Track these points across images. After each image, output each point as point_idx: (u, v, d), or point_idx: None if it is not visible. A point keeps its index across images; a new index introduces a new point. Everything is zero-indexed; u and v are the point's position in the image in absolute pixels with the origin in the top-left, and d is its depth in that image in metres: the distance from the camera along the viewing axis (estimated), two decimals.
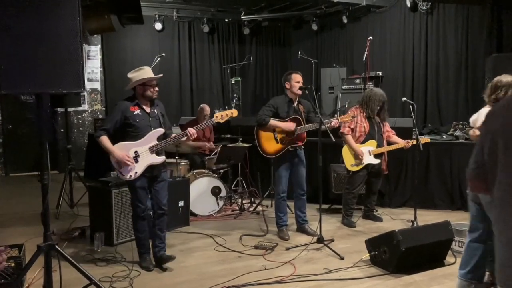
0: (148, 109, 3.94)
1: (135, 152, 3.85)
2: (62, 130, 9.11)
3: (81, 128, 9.70)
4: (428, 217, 5.48)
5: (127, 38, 10.00)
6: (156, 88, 3.94)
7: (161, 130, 3.95)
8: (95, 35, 9.38)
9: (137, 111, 3.89)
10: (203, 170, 6.04)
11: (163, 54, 7.98)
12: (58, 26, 2.70)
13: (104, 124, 3.93)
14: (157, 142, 3.91)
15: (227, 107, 10.04)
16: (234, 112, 4.22)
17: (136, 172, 3.84)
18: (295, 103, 4.81)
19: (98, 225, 4.66)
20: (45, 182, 2.92)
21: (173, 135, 4.02)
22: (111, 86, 10.01)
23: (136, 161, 3.85)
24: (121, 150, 3.83)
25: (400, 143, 5.26)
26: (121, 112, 3.85)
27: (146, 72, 3.89)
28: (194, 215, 5.65)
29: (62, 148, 9.01)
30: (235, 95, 9.80)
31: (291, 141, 4.74)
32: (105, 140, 3.82)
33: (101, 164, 6.82)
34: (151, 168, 3.91)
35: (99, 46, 9.78)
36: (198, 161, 6.40)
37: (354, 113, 5.08)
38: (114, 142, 3.86)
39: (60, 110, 8.89)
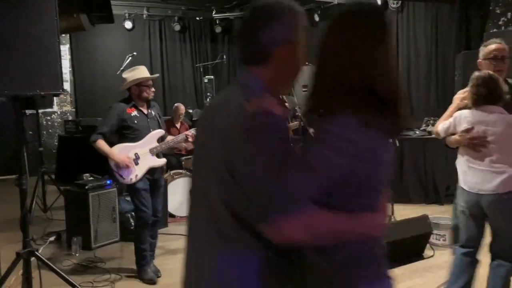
0: (145, 110, 3.78)
1: (135, 154, 3.69)
2: (31, 132, 8.84)
3: (50, 130, 9.44)
4: (404, 211, 5.58)
5: (97, 37, 9.77)
6: (152, 89, 3.78)
7: (161, 131, 3.83)
8: (63, 35, 9.14)
9: (135, 113, 3.72)
10: (181, 171, 5.98)
11: (134, 53, 7.81)
12: (35, 26, 2.61)
13: (100, 127, 3.69)
14: (157, 144, 3.78)
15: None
16: None
17: (136, 175, 3.67)
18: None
19: (75, 229, 4.56)
20: (23, 187, 2.83)
21: (172, 137, 3.93)
22: (81, 87, 9.77)
23: (137, 164, 3.68)
24: (121, 152, 3.65)
25: None
26: (117, 115, 3.67)
27: (142, 72, 3.73)
28: (173, 216, 5.59)
29: (31, 150, 8.73)
30: (208, 94, 9.73)
31: None
32: (102, 143, 3.63)
33: (73, 167, 6.68)
34: (151, 171, 3.76)
35: (67, 45, 9.52)
36: (173, 162, 6.32)
37: None
38: (110, 145, 3.70)
39: (28, 111, 8.62)
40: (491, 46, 3.02)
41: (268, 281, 1.23)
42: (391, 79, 1.23)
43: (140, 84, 3.70)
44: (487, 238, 2.87)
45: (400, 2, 8.18)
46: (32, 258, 2.91)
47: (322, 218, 1.15)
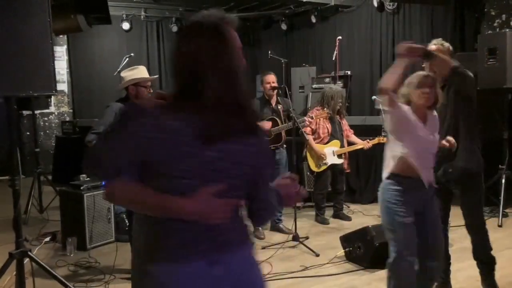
0: None
1: None
2: (28, 133, 8.86)
3: (47, 131, 9.45)
4: None
5: (94, 38, 9.80)
6: (151, 90, 3.69)
7: None
8: (61, 36, 9.15)
9: None
10: None
11: (132, 54, 7.83)
12: (27, 27, 2.64)
13: (97, 127, 3.61)
14: None
15: None
16: None
17: None
18: (273, 104, 4.85)
19: (70, 229, 4.56)
20: (17, 187, 2.85)
21: None
22: (78, 88, 9.79)
23: None
24: None
25: (359, 143, 5.34)
26: (115, 114, 3.51)
27: (141, 72, 3.66)
28: None
29: (28, 151, 8.75)
30: None
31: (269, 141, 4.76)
32: None
33: (70, 167, 6.68)
34: None
35: (65, 46, 9.54)
36: None
37: (326, 112, 5.14)
38: None
39: (25, 112, 8.64)
40: (431, 46, 3.06)
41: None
42: (224, 87, 1.34)
43: (138, 84, 3.62)
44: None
45: (396, 3, 8.22)
46: (26, 259, 2.94)
47: (126, 187, 1.39)
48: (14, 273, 3.12)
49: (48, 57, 2.69)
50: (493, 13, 6.69)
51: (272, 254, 4.26)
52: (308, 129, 5.21)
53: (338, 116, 5.37)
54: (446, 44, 3.12)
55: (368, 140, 5.23)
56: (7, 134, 2.86)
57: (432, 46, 3.02)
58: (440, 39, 3.15)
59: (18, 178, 2.83)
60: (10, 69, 2.60)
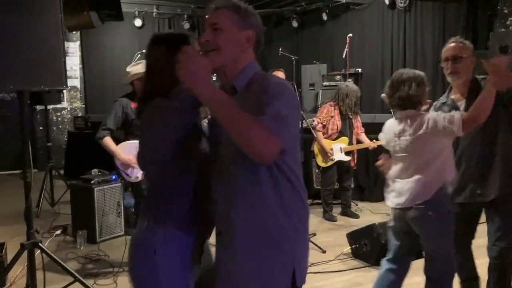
0: None
1: None
2: (41, 128, 8.98)
3: (60, 126, 9.57)
4: None
5: (106, 34, 9.89)
6: None
7: None
8: (74, 32, 9.26)
9: None
10: None
11: (144, 51, 7.89)
12: (39, 23, 2.69)
13: (107, 123, 3.68)
14: None
15: None
16: None
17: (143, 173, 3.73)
18: None
19: (80, 223, 4.64)
20: (28, 179, 2.91)
21: None
22: (91, 83, 9.90)
23: None
24: (126, 151, 3.65)
25: (366, 143, 5.33)
26: (122, 108, 3.67)
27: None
28: None
29: (41, 146, 8.88)
30: None
31: None
32: (109, 141, 3.63)
33: (81, 162, 6.78)
34: None
35: (78, 42, 9.65)
36: None
37: (332, 113, 5.16)
38: (116, 142, 3.73)
39: (38, 107, 8.76)
40: (448, 45, 2.76)
41: None
42: (169, 82, 1.68)
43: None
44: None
45: (407, 1, 8.18)
46: (37, 251, 3.00)
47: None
48: (26, 264, 3.19)
49: (59, 52, 2.74)
50: (505, 11, 6.63)
51: None
52: (319, 125, 5.20)
53: (350, 114, 5.34)
54: (468, 42, 2.81)
55: (374, 140, 5.21)
56: (20, 128, 2.92)
57: (450, 45, 2.74)
58: (458, 37, 2.88)
59: (29, 171, 2.89)
60: (22, 64, 2.65)
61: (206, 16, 1.64)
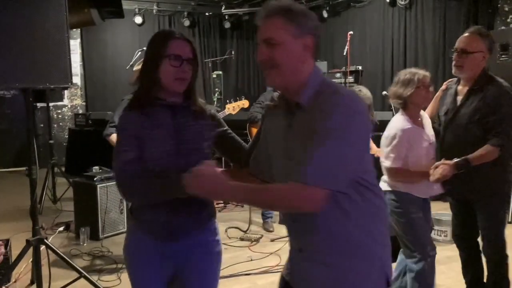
0: None
1: None
2: (42, 125, 8.99)
3: (61, 123, 9.59)
4: None
5: (107, 32, 9.89)
6: None
7: None
8: (74, 29, 9.26)
9: None
10: None
11: (144, 48, 7.86)
12: (45, 21, 2.70)
13: (114, 120, 3.65)
14: None
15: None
16: (245, 103, 4.11)
17: None
18: None
19: (83, 219, 4.66)
20: (33, 176, 2.93)
21: None
22: (91, 81, 9.91)
23: None
24: None
25: (373, 149, 5.30)
26: None
27: None
28: None
29: (42, 143, 8.88)
30: (216, 89, 9.78)
31: None
32: (116, 138, 3.63)
33: (82, 159, 6.79)
34: None
35: (78, 40, 9.65)
36: None
37: None
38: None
39: (39, 105, 8.76)
40: (462, 36, 2.64)
41: None
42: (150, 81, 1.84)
43: None
44: None
45: None
46: (42, 247, 3.02)
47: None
48: (31, 260, 3.22)
49: (64, 49, 2.75)
50: (506, 9, 6.64)
51: (281, 246, 4.30)
52: None
53: None
54: (485, 34, 2.65)
55: (378, 150, 5.16)
56: (25, 126, 2.94)
57: (465, 34, 2.62)
58: (478, 27, 2.73)
59: (35, 167, 2.90)
60: (27, 61, 2.67)
61: (257, 24, 1.49)
